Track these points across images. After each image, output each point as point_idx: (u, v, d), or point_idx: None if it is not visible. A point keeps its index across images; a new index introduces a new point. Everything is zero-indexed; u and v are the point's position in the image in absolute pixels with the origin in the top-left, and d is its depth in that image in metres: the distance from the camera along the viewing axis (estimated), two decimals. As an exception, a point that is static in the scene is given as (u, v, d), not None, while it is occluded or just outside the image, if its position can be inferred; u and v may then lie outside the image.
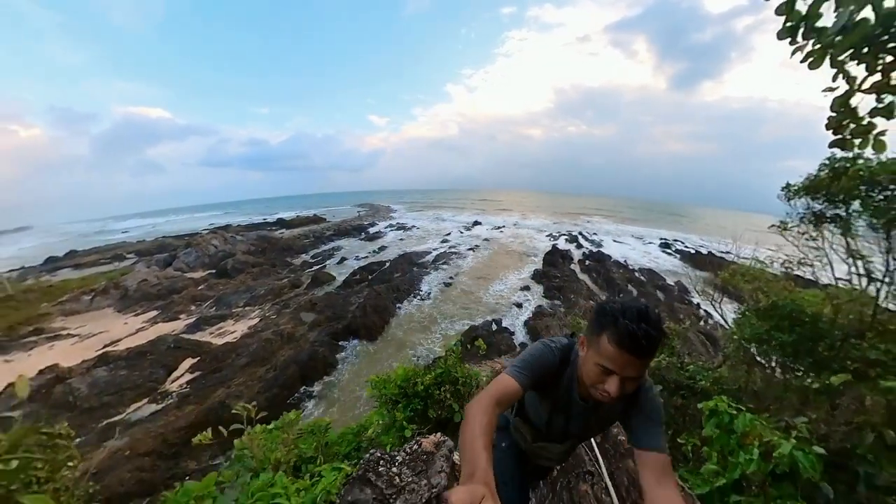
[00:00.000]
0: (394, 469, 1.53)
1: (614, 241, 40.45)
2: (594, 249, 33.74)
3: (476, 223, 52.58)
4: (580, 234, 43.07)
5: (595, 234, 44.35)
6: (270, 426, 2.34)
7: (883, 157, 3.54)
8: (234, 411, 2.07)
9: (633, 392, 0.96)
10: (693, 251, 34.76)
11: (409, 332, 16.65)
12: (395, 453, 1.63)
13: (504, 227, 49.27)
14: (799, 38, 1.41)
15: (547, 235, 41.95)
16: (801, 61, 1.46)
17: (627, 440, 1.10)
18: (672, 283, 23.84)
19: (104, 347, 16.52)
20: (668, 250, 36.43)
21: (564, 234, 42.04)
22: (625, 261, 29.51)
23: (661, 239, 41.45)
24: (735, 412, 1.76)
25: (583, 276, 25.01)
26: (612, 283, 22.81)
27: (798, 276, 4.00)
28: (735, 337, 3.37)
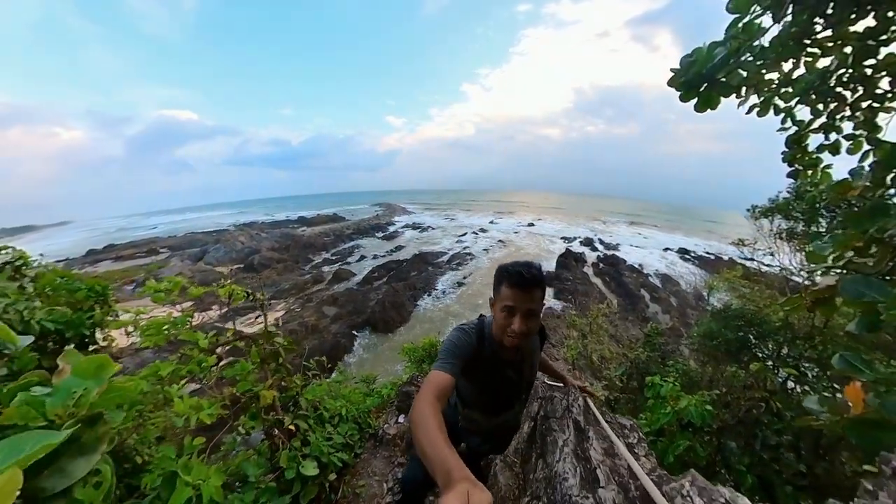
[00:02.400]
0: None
1: (631, 245, 40.05)
2: (609, 253, 33.67)
3: (491, 224, 53.09)
4: (596, 237, 42.86)
5: (611, 237, 43.98)
6: (330, 379, 3.20)
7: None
8: (305, 363, 2.93)
9: (537, 332, 1.28)
10: (713, 257, 34.11)
11: (424, 328, 17.51)
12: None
13: (519, 229, 49.54)
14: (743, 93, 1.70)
15: (562, 238, 42.00)
16: (747, 113, 1.79)
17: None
18: (688, 289, 23.75)
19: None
20: (687, 255, 35.86)
21: (580, 237, 41.98)
22: (640, 265, 29.40)
23: (681, 248, 40.70)
24: (662, 384, 2.44)
25: (595, 280, 25.23)
26: (624, 286, 22.96)
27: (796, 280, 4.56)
28: (694, 334, 3.98)
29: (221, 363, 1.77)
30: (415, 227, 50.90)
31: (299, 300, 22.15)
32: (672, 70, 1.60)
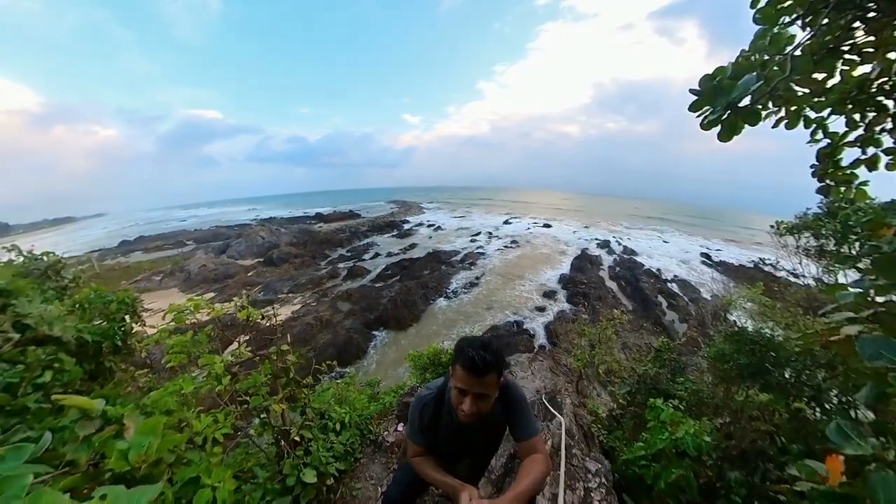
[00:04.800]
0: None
1: (650, 248, 38.88)
2: (626, 257, 32.84)
3: (506, 224, 52.69)
4: (613, 239, 41.84)
5: (629, 240, 42.82)
6: (339, 381, 3.37)
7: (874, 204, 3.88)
8: (315, 366, 3.09)
9: (502, 398, 1.27)
10: (737, 264, 32.67)
11: (435, 327, 17.67)
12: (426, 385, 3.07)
13: (534, 229, 48.90)
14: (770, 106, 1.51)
15: (578, 239, 41.25)
16: (773, 126, 1.64)
17: (512, 437, 1.36)
18: (709, 298, 22.91)
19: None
20: (710, 262, 34.45)
21: (596, 239, 41.10)
22: (658, 270, 28.54)
23: (703, 254, 39.20)
24: (664, 408, 2.43)
25: (611, 284, 24.71)
26: (641, 292, 22.37)
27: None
28: (706, 355, 3.89)
29: (236, 373, 1.92)
30: (429, 225, 51.13)
31: (315, 294, 22.74)
32: (692, 91, 1.46)
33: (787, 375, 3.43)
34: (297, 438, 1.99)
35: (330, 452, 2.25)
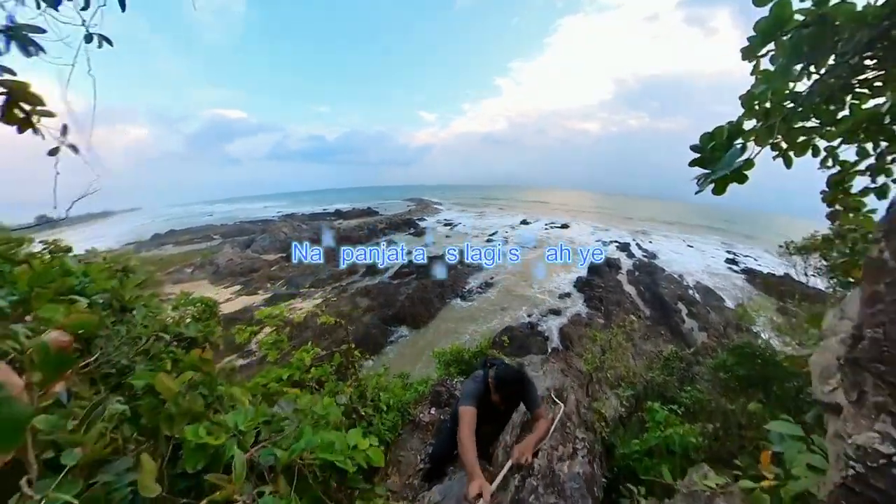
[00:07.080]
0: (455, 382, 3.96)
1: (673, 252, 37.76)
2: (646, 260, 32.15)
3: (523, 224, 52.45)
4: (634, 242, 40.96)
5: (651, 244, 41.77)
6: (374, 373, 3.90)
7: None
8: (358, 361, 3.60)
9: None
10: (766, 272, 31.29)
11: (450, 325, 18.08)
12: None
13: (551, 230, 48.47)
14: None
15: (596, 242, 40.64)
16: (779, 155, 1.66)
17: (526, 407, 2.17)
18: (732, 306, 22.24)
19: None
20: (736, 269, 33.10)
21: (616, 242, 40.36)
22: (679, 276, 27.85)
23: (728, 260, 37.75)
24: (659, 410, 2.72)
25: (629, 288, 24.39)
26: (660, 298, 21.99)
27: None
28: (709, 366, 4.09)
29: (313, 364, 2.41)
30: (445, 224, 51.61)
31: (335, 290, 23.62)
32: (692, 148, 1.62)
33: (783, 389, 3.61)
34: (362, 413, 2.47)
35: (384, 426, 2.75)
